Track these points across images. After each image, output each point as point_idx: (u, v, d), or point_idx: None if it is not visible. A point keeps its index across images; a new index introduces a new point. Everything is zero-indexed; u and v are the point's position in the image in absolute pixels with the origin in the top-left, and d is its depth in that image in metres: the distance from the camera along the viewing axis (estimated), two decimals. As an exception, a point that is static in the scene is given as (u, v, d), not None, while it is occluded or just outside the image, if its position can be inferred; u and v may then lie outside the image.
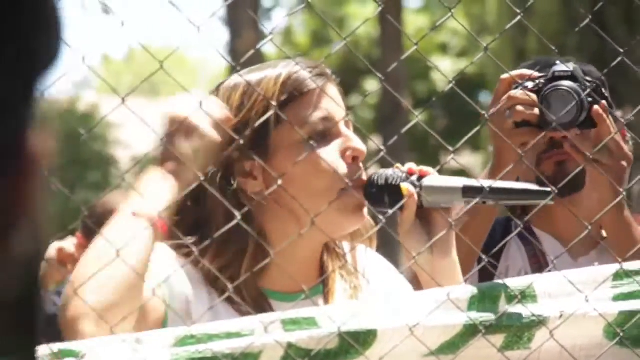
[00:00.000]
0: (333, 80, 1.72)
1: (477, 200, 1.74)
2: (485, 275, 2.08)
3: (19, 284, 0.54)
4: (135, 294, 1.53)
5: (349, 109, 1.75)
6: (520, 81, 2.09)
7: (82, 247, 2.81)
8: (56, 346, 1.46)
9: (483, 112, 1.98)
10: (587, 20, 1.98)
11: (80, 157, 14.02)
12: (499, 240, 2.08)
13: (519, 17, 1.91)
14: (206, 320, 1.57)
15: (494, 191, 1.74)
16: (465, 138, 1.87)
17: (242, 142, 1.62)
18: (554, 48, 2.06)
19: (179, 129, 1.60)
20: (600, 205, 2.07)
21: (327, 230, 1.65)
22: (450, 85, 1.85)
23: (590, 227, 1.94)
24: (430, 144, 14.17)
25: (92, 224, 1.91)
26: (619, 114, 2.22)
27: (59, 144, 0.54)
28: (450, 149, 1.78)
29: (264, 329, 1.53)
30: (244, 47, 10.96)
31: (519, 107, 2.06)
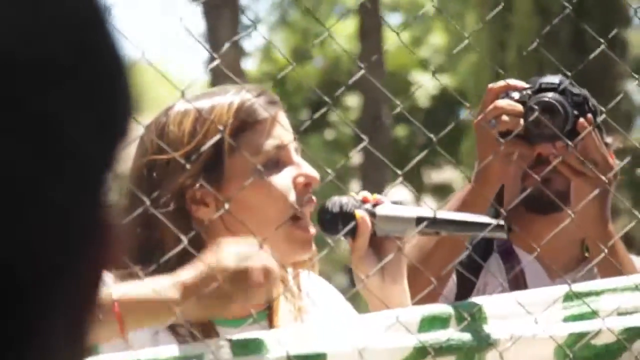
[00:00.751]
0: (282, 107, 1.71)
1: (430, 231, 1.74)
2: (463, 290, 2.10)
3: None
4: None
5: (301, 132, 1.74)
6: (507, 91, 2.07)
7: None
8: None
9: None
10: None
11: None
12: (480, 255, 2.07)
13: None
14: (150, 342, 1.55)
15: (447, 222, 1.74)
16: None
17: (192, 169, 1.61)
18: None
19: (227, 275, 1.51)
20: (583, 221, 2.03)
21: (274, 258, 1.61)
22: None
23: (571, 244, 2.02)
24: (412, 159, 14.96)
25: None
26: (609, 140, 2.18)
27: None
28: (399, 172, 1.77)
29: (212, 354, 1.49)
30: (224, 64, 11.54)
31: (504, 117, 2.03)
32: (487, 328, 1.69)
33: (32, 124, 0.47)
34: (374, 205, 1.74)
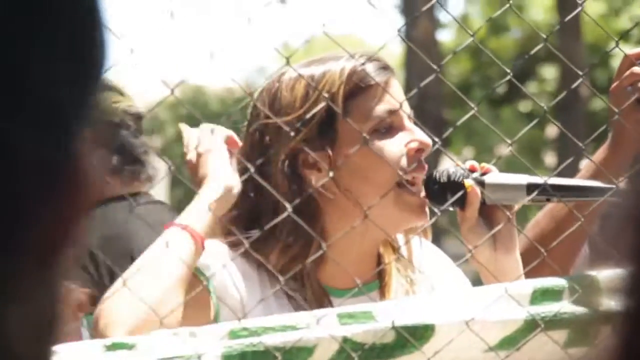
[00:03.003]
0: (395, 74, 1.70)
1: (541, 198, 1.71)
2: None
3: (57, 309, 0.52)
4: (171, 296, 1.52)
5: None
6: None
7: None
8: (109, 340, 1.45)
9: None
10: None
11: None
12: None
13: None
14: (258, 314, 1.57)
15: (559, 188, 1.70)
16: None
17: (304, 133, 1.62)
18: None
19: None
20: None
21: (386, 225, 1.63)
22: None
23: None
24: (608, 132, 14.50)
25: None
26: None
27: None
28: (508, 141, 1.74)
29: (317, 322, 1.50)
30: (419, 35, 10.91)
31: None
32: (602, 301, 1.65)
33: None
34: (483, 174, 1.71)
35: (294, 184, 1.65)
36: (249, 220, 1.66)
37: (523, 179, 1.71)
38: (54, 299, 0.52)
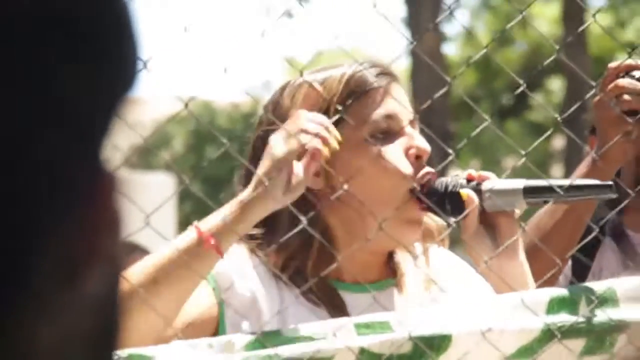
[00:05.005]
0: (398, 80, 1.69)
1: (538, 200, 1.72)
2: (578, 273, 2.06)
3: (94, 323, 0.51)
4: (175, 280, 1.51)
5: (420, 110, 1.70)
6: (627, 70, 2.01)
7: None
8: (126, 351, 1.43)
9: (556, 116, 1.92)
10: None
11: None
12: (592, 240, 1.97)
13: None
14: (277, 316, 1.57)
15: (554, 189, 1.70)
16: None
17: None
18: None
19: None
20: None
21: (378, 241, 1.62)
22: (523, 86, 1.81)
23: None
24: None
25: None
26: None
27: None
28: (522, 152, 1.76)
29: (335, 334, 1.50)
30: (425, 48, 10.58)
31: (626, 96, 1.99)
32: (619, 311, 1.65)
33: (29, 76, 0.47)
34: (479, 183, 1.72)
35: None
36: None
37: (519, 183, 1.72)
38: (88, 309, 0.52)
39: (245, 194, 1.57)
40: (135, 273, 1.52)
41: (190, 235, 1.55)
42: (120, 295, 0.55)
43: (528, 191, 1.71)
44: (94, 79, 0.50)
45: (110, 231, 0.52)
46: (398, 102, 1.68)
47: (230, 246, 1.57)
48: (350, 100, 1.65)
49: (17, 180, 0.48)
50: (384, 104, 1.67)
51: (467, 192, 1.70)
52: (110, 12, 0.50)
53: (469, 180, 1.73)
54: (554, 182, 1.73)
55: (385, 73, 1.69)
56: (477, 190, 1.71)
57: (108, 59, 0.50)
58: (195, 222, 1.56)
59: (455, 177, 1.73)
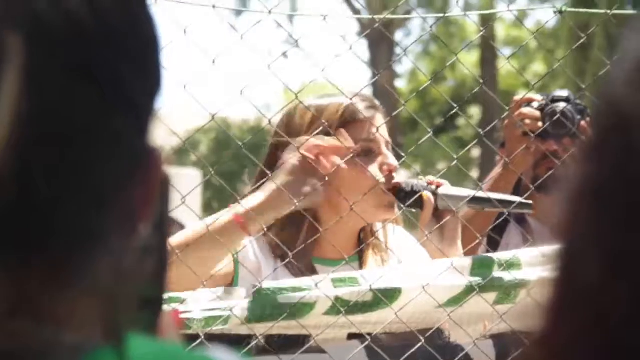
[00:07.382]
0: (381, 110, 1.70)
1: (477, 207, 1.74)
2: (492, 246, 2.07)
3: (149, 265, 0.49)
4: (211, 246, 1.50)
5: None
6: (528, 102, 2.07)
7: None
8: (166, 295, 1.29)
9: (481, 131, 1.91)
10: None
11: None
12: (501, 223, 1.99)
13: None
14: (271, 279, 1.57)
15: (489, 200, 1.72)
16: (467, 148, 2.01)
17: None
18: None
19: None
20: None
21: (365, 216, 1.64)
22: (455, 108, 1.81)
23: None
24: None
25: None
26: None
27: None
28: (455, 156, 1.81)
29: (317, 285, 1.52)
30: (381, 82, 11.96)
31: (527, 121, 2.04)
32: (521, 272, 1.67)
33: (101, 76, 0.46)
34: (437, 187, 1.73)
35: None
36: None
37: (464, 192, 1.73)
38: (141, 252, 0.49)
39: (272, 192, 1.55)
40: (178, 239, 1.51)
41: (227, 215, 1.54)
42: (167, 247, 0.52)
43: (471, 200, 1.72)
44: (145, 81, 0.49)
45: (162, 189, 0.50)
46: (378, 131, 1.69)
47: (257, 229, 1.55)
48: (345, 125, 1.66)
49: (97, 148, 0.46)
50: (369, 130, 1.68)
51: (427, 194, 1.71)
52: (147, 27, 0.49)
53: (429, 184, 1.74)
54: (489, 195, 1.73)
55: (372, 106, 1.70)
56: (434, 193, 1.72)
57: (152, 67, 0.49)
58: (232, 205, 1.55)
59: (420, 180, 1.74)
